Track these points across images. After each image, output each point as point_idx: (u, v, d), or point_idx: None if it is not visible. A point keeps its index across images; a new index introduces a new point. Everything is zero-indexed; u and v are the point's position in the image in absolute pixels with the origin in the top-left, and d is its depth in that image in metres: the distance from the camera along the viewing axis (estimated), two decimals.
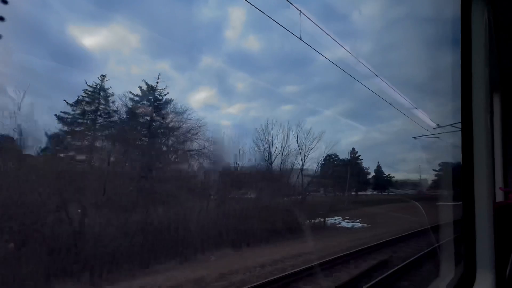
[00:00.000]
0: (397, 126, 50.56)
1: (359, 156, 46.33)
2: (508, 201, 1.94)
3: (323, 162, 44.55)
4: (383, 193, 47.22)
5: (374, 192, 48.19)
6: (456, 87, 1.49)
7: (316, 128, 59.90)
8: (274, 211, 15.71)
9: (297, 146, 25.53)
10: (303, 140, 26.02)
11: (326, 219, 19.10)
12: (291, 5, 5.39)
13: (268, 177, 20.94)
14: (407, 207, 24.82)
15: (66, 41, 19.65)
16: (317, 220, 18.00)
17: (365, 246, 9.57)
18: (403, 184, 49.69)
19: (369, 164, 52.87)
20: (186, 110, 20.04)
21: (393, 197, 41.27)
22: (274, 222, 14.73)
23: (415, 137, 11.95)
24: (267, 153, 23.84)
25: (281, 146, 24.07)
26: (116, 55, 31.35)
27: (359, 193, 44.13)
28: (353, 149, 46.91)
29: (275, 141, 24.89)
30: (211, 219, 13.16)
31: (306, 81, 51.05)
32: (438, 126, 9.81)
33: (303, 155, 25.82)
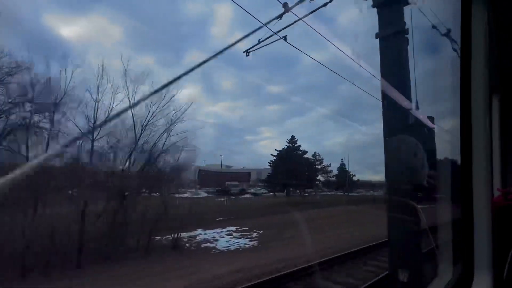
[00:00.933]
0: (377, 129, 51.96)
1: (299, 146, 39.98)
2: (507, 202, 1.74)
3: (276, 157, 39.87)
4: (345, 193, 43.35)
5: (331, 193, 43.67)
6: (455, 88, 1.50)
7: (300, 129, 58.51)
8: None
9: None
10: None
11: (205, 231, 13.28)
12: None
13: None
14: (359, 211, 22.09)
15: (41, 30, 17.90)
16: (170, 236, 11.24)
17: None
18: (373, 185, 46.93)
19: (352, 165, 50.06)
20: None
21: (351, 197, 38.50)
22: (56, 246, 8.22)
23: (246, 52, 5.54)
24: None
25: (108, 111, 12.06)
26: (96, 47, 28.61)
27: (309, 192, 40.24)
28: (292, 137, 40.17)
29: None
30: None
31: (292, 81, 51.72)
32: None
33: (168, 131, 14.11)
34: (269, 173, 40.27)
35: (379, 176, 47.95)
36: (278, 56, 49.34)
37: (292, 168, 36.14)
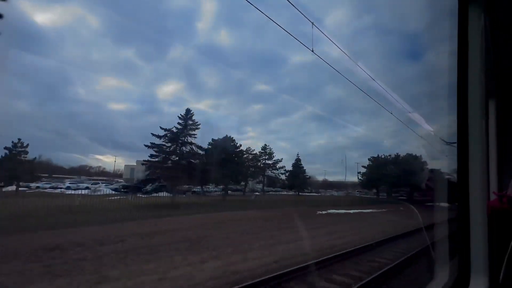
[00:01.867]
0: (358, 132, 54.14)
1: (198, 124, 26.07)
2: (503, 205, 1.70)
3: (166, 139, 26.20)
4: (297, 193, 40.20)
5: (280, 192, 40.55)
6: (452, 92, 1.51)
7: (284, 129, 54.86)
8: None
9: None
10: None
11: None
12: None
13: None
14: (260, 219, 15.43)
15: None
16: None
17: None
18: (345, 185, 46.64)
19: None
20: None
21: (296, 199, 34.23)
22: None
23: None
24: None
25: None
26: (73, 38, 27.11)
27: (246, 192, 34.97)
28: (188, 110, 25.95)
29: None
30: None
31: (277, 81, 52.09)
32: None
33: None
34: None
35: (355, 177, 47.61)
36: (263, 55, 49.66)
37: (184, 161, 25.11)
